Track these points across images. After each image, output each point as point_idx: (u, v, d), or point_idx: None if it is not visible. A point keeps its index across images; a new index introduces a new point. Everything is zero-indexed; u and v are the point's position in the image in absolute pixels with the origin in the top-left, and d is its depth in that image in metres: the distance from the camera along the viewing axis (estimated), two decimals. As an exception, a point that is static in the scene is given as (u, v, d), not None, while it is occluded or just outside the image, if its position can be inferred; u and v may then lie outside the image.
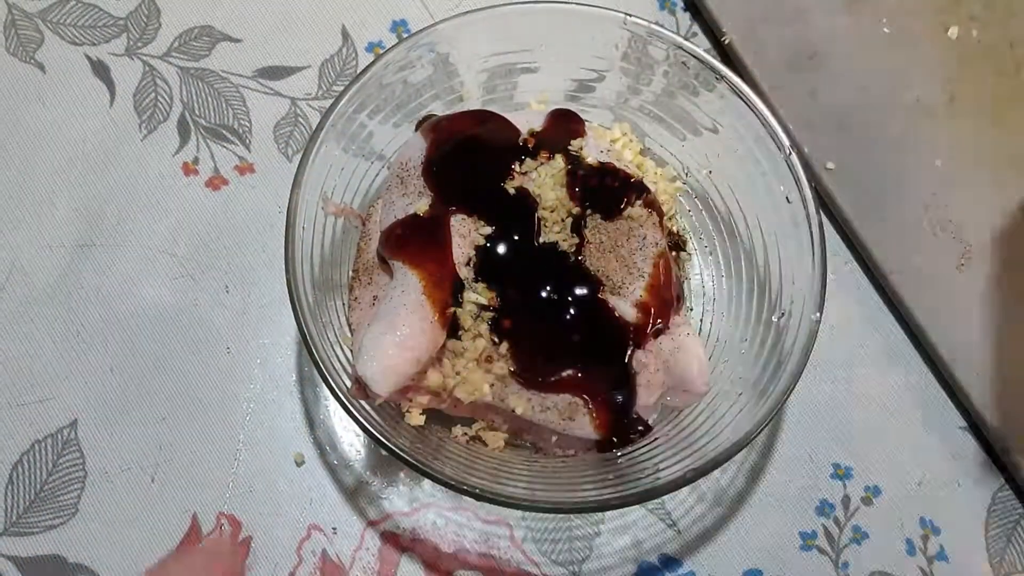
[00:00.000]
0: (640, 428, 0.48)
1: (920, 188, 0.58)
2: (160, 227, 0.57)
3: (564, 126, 0.50)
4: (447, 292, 0.45)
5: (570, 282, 0.45)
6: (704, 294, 0.54)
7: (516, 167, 0.47)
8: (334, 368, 0.44)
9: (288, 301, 0.44)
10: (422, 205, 0.46)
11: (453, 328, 0.45)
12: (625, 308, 0.45)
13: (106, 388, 0.54)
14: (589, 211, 0.47)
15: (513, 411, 0.45)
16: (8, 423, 0.53)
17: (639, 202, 0.48)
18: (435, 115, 0.51)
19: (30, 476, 0.53)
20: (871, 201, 0.58)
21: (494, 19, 0.51)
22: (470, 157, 0.48)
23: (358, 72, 0.50)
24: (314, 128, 0.47)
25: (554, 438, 0.47)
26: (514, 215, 0.46)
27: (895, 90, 0.59)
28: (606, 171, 0.48)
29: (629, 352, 0.46)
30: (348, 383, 0.44)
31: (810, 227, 0.47)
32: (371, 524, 0.51)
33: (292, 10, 0.62)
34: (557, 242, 0.46)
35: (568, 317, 0.45)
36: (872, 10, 0.61)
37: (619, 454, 0.48)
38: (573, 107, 0.52)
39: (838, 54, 0.60)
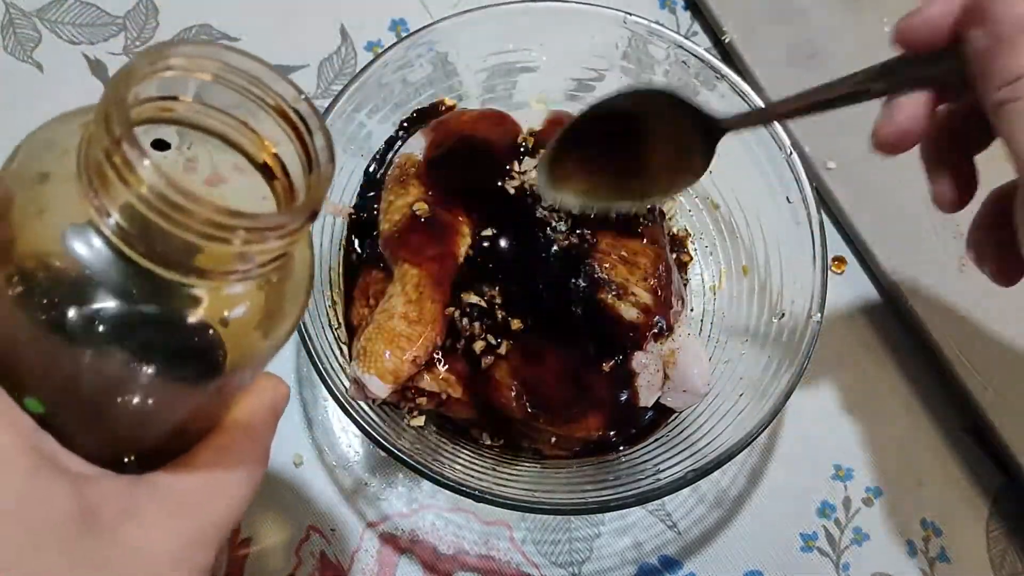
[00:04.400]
0: (640, 428, 0.48)
1: (921, 187, 0.57)
2: (158, 227, 0.56)
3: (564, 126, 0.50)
4: (446, 293, 0.44)
5: (570, 283, 0.45)
6: (704, 294, 0.53)
7: (516, 166, 0.47)
8: (333, 369, 0.44)
9: (286, 301, 0.44)
10: (421, 205, 0.46)
11: (452, 329, 0.45)
12: (625, 308, 0.45)
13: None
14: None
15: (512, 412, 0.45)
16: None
17: (639, 202, 0.47)
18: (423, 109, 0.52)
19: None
20: (871, 201, 0.57)
21: (493, 18, 0.50)
22: (469, 157, 0.48)
23: (357, 71, 0.50)
24: (313, 127, 0.47)
25: (553, 439, 0.47)
26: (513, 215, 0.46)
27: (896, 89, 0.59)
28: (606, 171, 0.47)
29: (629, 353, 0.46)
30: (347, 384, 0.44)
31: (811, 227, 0.47)
32: (370, 525, 0.50)
33: (291, 9, 0.62)
34: (557, 242, 0.46)
35: (568, 318, 0.45)
36: (872, 10, 0.61)
37: (619, 455, 0.48)
38: (573, 107, 0.52)
39: (838, 54, 0.60)
